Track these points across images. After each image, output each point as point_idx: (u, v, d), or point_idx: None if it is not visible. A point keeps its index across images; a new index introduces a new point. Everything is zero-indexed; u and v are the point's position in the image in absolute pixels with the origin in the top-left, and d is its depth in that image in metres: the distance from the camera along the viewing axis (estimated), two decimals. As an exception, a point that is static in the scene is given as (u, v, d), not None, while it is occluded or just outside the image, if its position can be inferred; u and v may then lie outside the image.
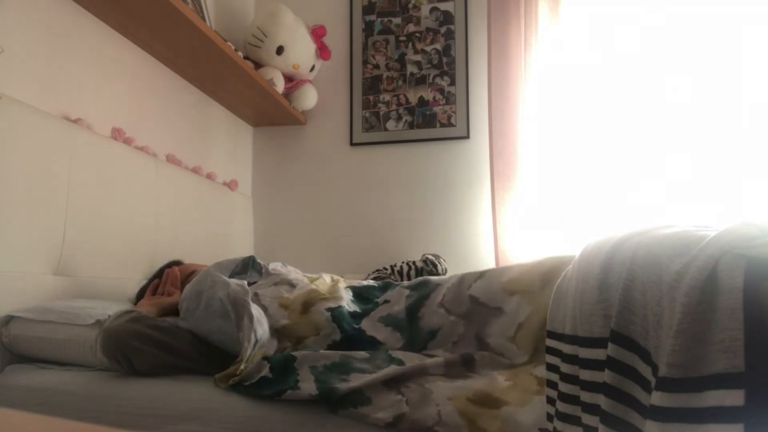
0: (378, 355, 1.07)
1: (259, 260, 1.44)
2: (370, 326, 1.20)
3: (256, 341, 1.10)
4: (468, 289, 1.19)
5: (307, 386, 0.97)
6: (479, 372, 1.04)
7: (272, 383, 1.00)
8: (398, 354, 1.08)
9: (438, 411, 0.91)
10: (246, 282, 1.21)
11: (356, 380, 0.97)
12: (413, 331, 1.18)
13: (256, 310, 1.15)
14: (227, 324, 1.12)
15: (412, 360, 1.05)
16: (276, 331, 1.19)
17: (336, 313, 1.21)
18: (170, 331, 1.13)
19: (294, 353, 1.05)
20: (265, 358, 1.04)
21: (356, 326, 1.20)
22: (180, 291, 1.38)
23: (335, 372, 1.01)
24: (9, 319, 1.20)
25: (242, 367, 1.04)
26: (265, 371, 1.01)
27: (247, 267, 1.37)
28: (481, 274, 1.21)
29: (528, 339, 1.07)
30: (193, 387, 1.07)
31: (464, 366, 1.06)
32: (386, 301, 1.26)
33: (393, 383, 0.97)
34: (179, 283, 1.40)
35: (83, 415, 1.04)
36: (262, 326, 1.13)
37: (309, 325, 1.20)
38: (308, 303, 1.25)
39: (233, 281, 1.18)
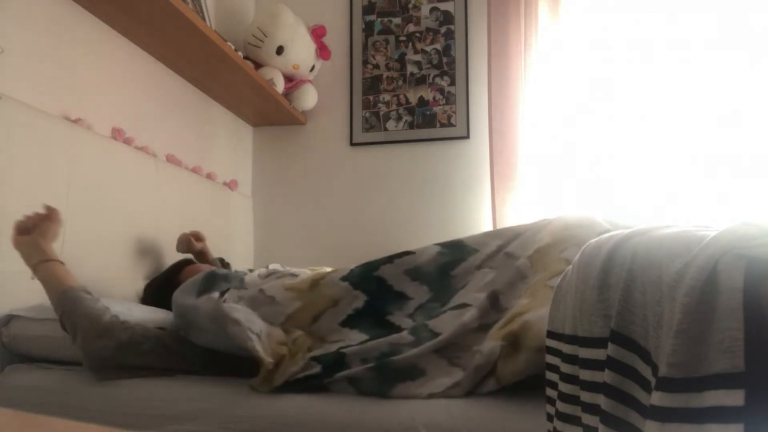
0: (421, 333, 1.06)
1: (226, 260, 1.44)
2: (395, 280, 1.18)
3: (258, 335, 1.08)
4: (505, 248, 1.21)
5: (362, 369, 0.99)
6: (506, 305, 1.07)
7: (324, 378, 1.01)
8: (438, 326, 1.07)
9: (479, 350, 0.96)
10: (216, 293, 1.18)
11: (407, 356, 1.00)
12: (444, 286, 1.17)
13: (238, 312, 1.11)
14: (222, 335, 1.10)
15: (451, 325, 1.06)
16: (288, 318, 1.16)
17: (354, 280, 1.19)
18: (154, 352, 1.11)
19: (343, 350, 1.04)
20: (315, 358, 1.03)
21: (375, 274, 1.19)
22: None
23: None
24: (9, 318, 1.20)
25: (269, 361, 1.02)
26: (316, 370, 1.01)
27: (212, 281, 1.26)
28: (517, 235, 1.22)
29: (543, 260, 1.10)
30: (193, 387, 1.08)
31: (493, 308, 1.07)
32: (410, 252, 1.23)
33: (445, 352, 1.00)
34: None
35: (83, 415, 1.04)
36: (252, 322, 1.11)
37: (323, 299, 1.17)
38: (317, 279, 1.22)
39: (200, 301, 1.15)
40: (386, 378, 0.96)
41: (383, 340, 1.05)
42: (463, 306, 1.09)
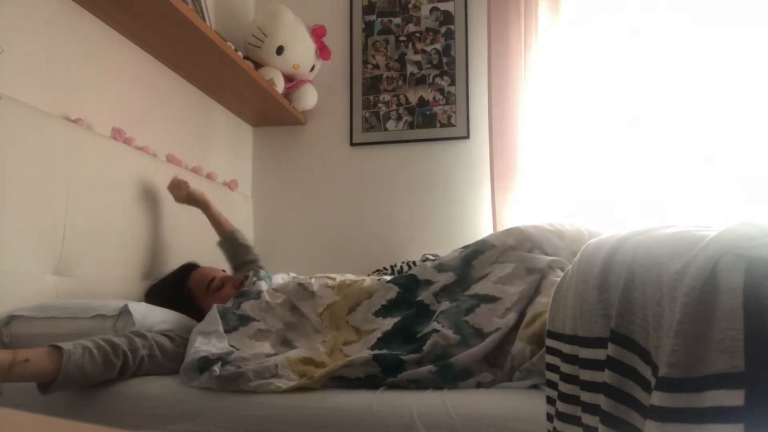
0: (464, 331, 1.12)
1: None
2: (424, 274, 1.30)
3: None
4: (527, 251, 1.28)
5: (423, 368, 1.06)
6: (545, 292, 1.13)
7: (383, 380, 1.06)
8: (477, 321, 1.13)
9: (512, 354, 1.04)
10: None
11: (463, 358, 1.07)
12: (466, 272, 1.27)
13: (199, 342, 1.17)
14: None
15: (491, 322, 1.12)
16: (327, 308, 1.27)
17: (389, 279, 1.33)
18: (151, 364, 1.15)
19: (402, 357, 1.08)
20: (376, 360, 1.07)
21: (408, 273, 1.32)
22: (205, 297, 1.44)
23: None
24: (10, 318, 1.20)
25: (294, 381, 1.06)
26: (376, 370, 1.06)
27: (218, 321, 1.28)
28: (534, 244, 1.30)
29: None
30: (193, 387, 1.07)
31: (530, 299, 1.14)
32: (438, 257, 1.39)
33: (488, 356, 1.08)
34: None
35: (83, 415, 1.04)
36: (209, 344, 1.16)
37: (359, 291, 1.29)
38: (354, 278, 1.37)
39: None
40: (446, 379, 1.04)
41: (437, 343, 1.09)
42: (494, 300, 1.16)
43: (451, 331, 1.11)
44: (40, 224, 1.32)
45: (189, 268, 1.55)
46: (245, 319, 1.26)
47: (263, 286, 1.39)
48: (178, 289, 1.49)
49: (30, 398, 1.07)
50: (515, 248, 1.27)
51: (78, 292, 1.41)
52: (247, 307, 1.30)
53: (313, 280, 1.40)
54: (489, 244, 1.31)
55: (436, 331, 1.11)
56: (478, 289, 1.21)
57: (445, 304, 1.19)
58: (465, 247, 1.34)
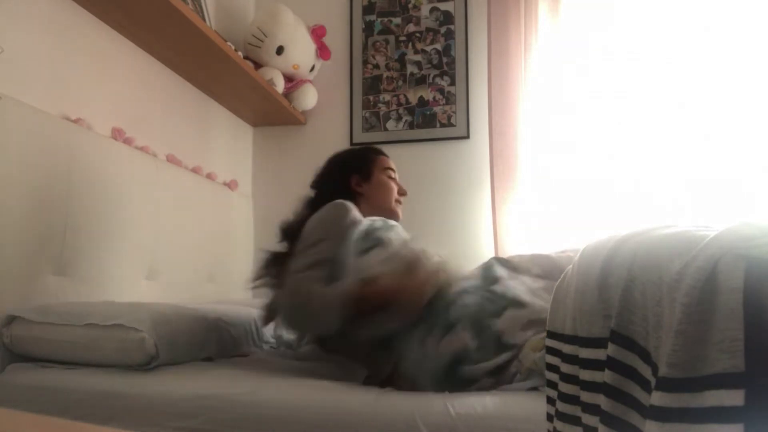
0: (484, 335, 1.11)
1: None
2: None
3: None
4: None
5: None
6: None
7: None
8: (500, 325, 1.11)
9: (519, 359, 1.05)
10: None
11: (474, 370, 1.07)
12: (489, 277, 1.26)
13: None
14: None
15: (514, 334, 1.10)
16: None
17: None
18: None
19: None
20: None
21: None
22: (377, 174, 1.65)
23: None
24: (11, 318, 1.20)
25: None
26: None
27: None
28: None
29: None
30: (193, 385, 1.08)
31: None
32: None
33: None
34: None
35: (84, 415, 1.04)
36: None
37: None
38: None
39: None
40: (452, 386, 1.05)
41: (448, 349, 1.09)
42: (522, 306, 1.14)
43: (469, 334, 1.10)
44: (40, 224, 1.32)
45: (382, 152, 1.69)
46: (381, 242, 1.30)
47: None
48: (370, 152, 1.64)
49: (30, 398, 1.07)
50: (542, 278, 1.25)
51: (79, 292, 1.41)
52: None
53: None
54: (511, 264, 1.30)
55: (452, 325, 1.12)
56: (507, 287, 1.20)
57: (472, 293, 1.19)
58: (481, 265, 1.33)
